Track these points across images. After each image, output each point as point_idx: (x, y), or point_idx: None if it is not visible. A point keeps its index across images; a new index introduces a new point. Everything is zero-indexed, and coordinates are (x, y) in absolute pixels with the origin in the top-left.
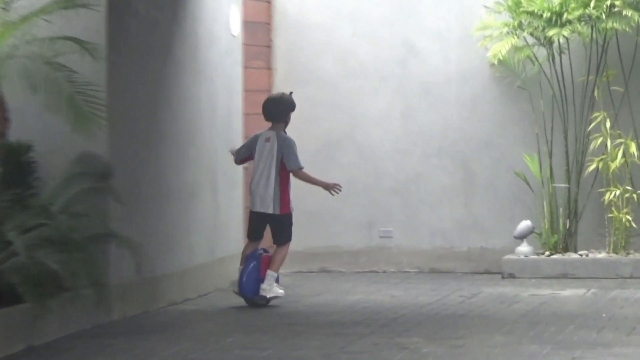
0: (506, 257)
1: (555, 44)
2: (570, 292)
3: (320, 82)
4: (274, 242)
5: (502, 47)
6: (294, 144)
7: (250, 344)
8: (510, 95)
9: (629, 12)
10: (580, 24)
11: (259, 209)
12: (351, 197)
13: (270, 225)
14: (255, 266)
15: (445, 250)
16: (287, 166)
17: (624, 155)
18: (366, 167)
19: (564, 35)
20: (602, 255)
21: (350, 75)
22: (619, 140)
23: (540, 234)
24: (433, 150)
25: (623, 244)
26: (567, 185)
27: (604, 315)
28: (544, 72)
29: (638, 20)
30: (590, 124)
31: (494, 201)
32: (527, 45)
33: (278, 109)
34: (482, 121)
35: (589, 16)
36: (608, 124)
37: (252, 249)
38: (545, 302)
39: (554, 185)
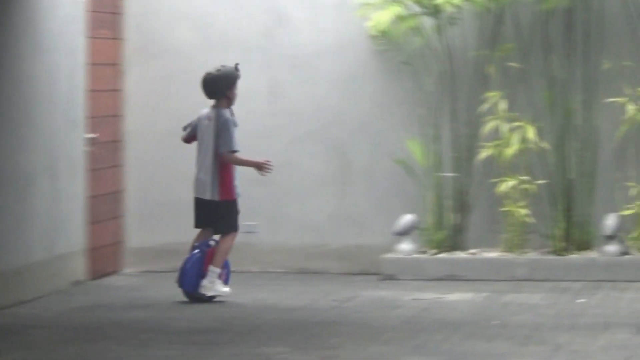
0: (385, 256)
1: (445, 14)
2: (458, 296)
3: (176, 55)
4: (215, 232)
5: (383, 17)
6: (232, 123)
7: (93, 354)
8: (392, 71)
9: None
10: None
11: (198, 194)
12: None
13: (211, 213)
14: (199, 258)
15: (316, 248)
16: (218, 148)
17: (520, 141)
18: None
19: (454, 4)
20: (494, 254)
21: (210, 46)
22: (515, 124)
23: (424, 230)
24: (304, 133)
25: (518, 241)
26: (455, 174)
27: (495, 322)
28: (432, 46)
29: None
30: (483, 105)
31: (372, 192)
32: (413, 14)
33: (217, 85)
34: (359, 101)
35: None
36: (503, 105)
37: (202, 239)
38: (429, 308)
39: (440, 174)
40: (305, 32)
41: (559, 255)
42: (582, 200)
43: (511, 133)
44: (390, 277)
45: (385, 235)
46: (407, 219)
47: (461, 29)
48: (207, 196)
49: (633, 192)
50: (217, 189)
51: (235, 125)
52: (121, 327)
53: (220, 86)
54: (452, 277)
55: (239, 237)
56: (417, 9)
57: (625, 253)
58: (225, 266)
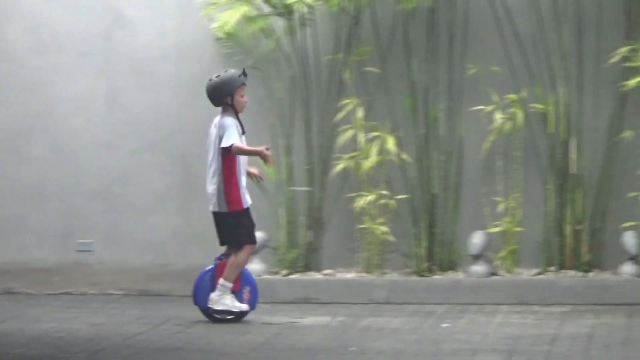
0: None
1: (297, 14)
2: (312, 320)
3: (4, 58)
4: (228, 245)
5: (230, 17)
6: (232, 123)
7: None
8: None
9: None
10: None
11: (210, 207)
12: (42, 201)
13: (222, 226)
14: (209, 272)
15: (158, 268)
16: (220, 151)
17: (379, 152)
18: (61, 163)
19: (307, 3)
20: (351, 275)
21: (42, 49)
22: (373, 134)
23: (275, 249)
24: (145, 143)
25: (377, 261)
26: (309, 188)
27: (353, 348)
28: (283, 49)
29: None
30: (339, 113)
31: None
32: (262, 15)
33: (215, 92)
34: (204, 108)
35: None
36: (360, 113)
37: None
38: (281, 333)
39: (293, 188)
40: (146, 34)
41: (421, 276)
42: (447, 217)
43: (369, 144)
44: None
45: None
46: (257, 236)
47: (315, 31)
48: (216, 208)
49: (501, 207)
50: (223, 200)
51: (240, 132)
52: None
53: (219, 93)
54: (305, 300)
55: (74, 256)
56: (266, 9)
57: (492, 274)
58: (249, 284)
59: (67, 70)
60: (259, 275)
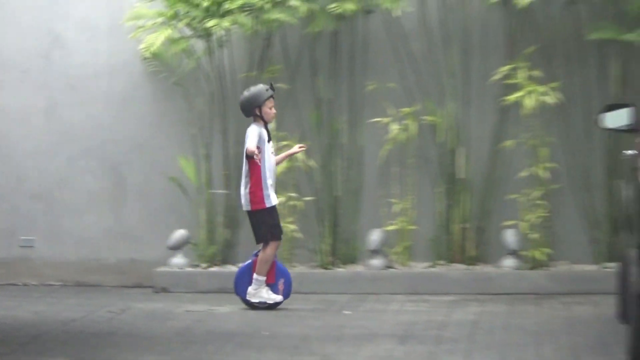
0: (159, 269)
1: (215, 36)
2: (229, 308)
3: None
4: (256, 242)
5: (155, 39)
6: (252, 131)
7: None
8: (165, 92)
9: (295, 3)
10: (242, 15)
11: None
12: None
13: (251, 223)
14: (247, 266)
15: (92, 262)
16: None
17: (289, 160)
18: (5, 169)
19: (224, 27)
20: None
21: None
22: (283, 142)
23: (196, 245)
24: (80, 151)
25: (287, 255)
26: (226, 191)
27: (265, 333)
28: (203, 67)
29: (305, 11)
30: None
31: (146, 209)
32: (184, 37)
33: (245, 106)
34: (133, 120)
35: (252, 6)
36: (272, 125)
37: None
38: (201, 319)
39: (211, 191)
40: (81, 54)
41: (326, 269)
42: (348, 217)
43: (279, 151)
44: (164, 290)
45: (159, 249)
46: (179, 234)
47: (231, 52)
48: (245, 207)
49: (396, 208)
50: (248, 199)
51: (265, 138)
52: None
53: (248, 106)
54: (223, 290)
55: (18, 251)
56: (188, 32)
57: (389, 267)
58: (283, 276)
59: (10, 86)
60: (181, 269)
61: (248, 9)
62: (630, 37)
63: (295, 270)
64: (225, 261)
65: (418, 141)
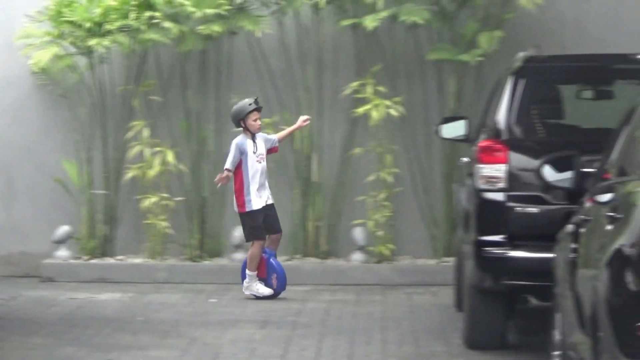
0: (45, 261)
1: (96, 54)
2: (107, 296)
3: None
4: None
5: (43, 56)
6: (234, 147)
7: None
8: (51, 103)
9: (168, 24)
10: (120, 35)
11: None
12: None
13: None
14: (244, 263)
15: None
16: None
17: (161, 163)
18: None
19: (104, 45)
20: (138, 260)
21: None
22: (157, 149)
23: (79, 239)
24: None
25: (159, 249)
26: (106, 191)
27: (139, 318)
28: (85, 81)
29: (177, 32)
30: (129, 132)
31: (34, 207)
32: (69, 54)
33: (232, 119)
34: (23, 128)
35: (130, 27)
36: (146, 133)
37: (267, 245)
38: (83, 306)
39: (92, 191)
40: None
41: (194, 261)
42: (214, 215)
43: (153, 157)
44: (50, 280)
45: (45, 243)
46: (63, 229)
47: (110, 67)
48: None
49: None
50: (235, 203)
51: (244, 151)
52: None
53: (234, 118)
54: (102, 280)
55: None
56: (72, 49)
57: None
58: (276, 272)
59: None
60: (65, 260)
61: (126, 29)
62: (464, 57)
63: (167, 262)
64: (104, 254)
65: (278, 149)
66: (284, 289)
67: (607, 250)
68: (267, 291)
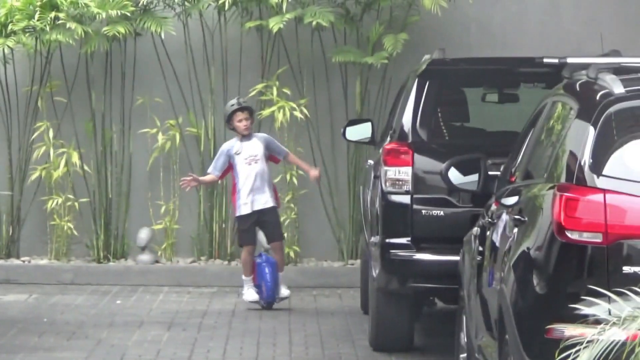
0: None
1: (3, 53)
2: (12, 297)
3: None
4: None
5: None
6: (221, 151)
7: None
8: None
9: (72, 25)
10: (25, 35)
11: None
12: None
13: None
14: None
15: None
16: None
17: (66, 164)
18: None
19: (8, 46)
20: (44, 261)
21: None
22: (61, 150)
23: None
24: None
25: (65, 250)
26: (10, 192)
27: (45, 320)
28: None
29: (81, 33)
30: (34, 133)
31: None
32: None
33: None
34: None
35: (34, 28)
36: (51, 134)
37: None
38: None
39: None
40: None
41: (99, 262)
42: (120, 216)
43: (58, 158)
44: None
45: None
46: None
47: (14, 68)
48: None
49: (163, 209)
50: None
51: (231, 154)
52: None
53: (225, 121)
54: (7, 281)
55: None
56: None
57: (156, 261)
58: (263, 279)
59: None
60: None
61: (30, 30)
62: (369, 59)
63: (72, 263)
64: (9, 255)
65: (181, 150)
66: (271, 300)
67: (513, 253)
68: (252, 297)
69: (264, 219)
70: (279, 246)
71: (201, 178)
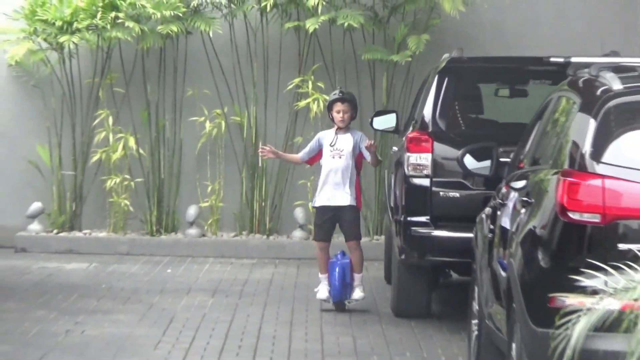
0: (19, 233)
1: (66, 49)
2: (75, 266)
3: None
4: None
5: (18, 50)
6: (315, 139)
7: None
8: (26, 92)
9: (130, 24)
10: (88, 32)
11: None
12: None
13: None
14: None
15: None
16: None
17: (123, 148)
18: None
19: (73, 42)
20: (103, 234)
21: None
22: (119, 135)
23: (49, 215)
24: None
25: (121, 224)
26: (74, 172)
27: (103, 286)
28: (56, 74)
29: (138, 31)
30: (95, 120)
31: (9, 186)
32: (41, 49)
33: None
34: (4, 118)
35: (96, 26)
36: (110, 121)
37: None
38: (53, 274)
39: (62, 172)
40: None
41: (152, 235)
42: (171, 194)
43: (116, 142)
44: (23, 250)
45: (19, 218)
46: (36, 205)
47: (78, 61)
48: None
49: (209, 189)
50: None
51: (320, 143)
52: None
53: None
54: (70, 251)
55: None
56: (44, 45)
57: (203, 235)
58: (332, 279)
59: None
60: (37, 233)
61: (93, 28)
62: (395, 57)
63: (128, 236)
64: (72, 228)
65: (227, 136)
66: (339, 300)
67: (520, 231)
68: (321, 295)
69: (341, 217)
70: (354, 246)
71: (283, 153)
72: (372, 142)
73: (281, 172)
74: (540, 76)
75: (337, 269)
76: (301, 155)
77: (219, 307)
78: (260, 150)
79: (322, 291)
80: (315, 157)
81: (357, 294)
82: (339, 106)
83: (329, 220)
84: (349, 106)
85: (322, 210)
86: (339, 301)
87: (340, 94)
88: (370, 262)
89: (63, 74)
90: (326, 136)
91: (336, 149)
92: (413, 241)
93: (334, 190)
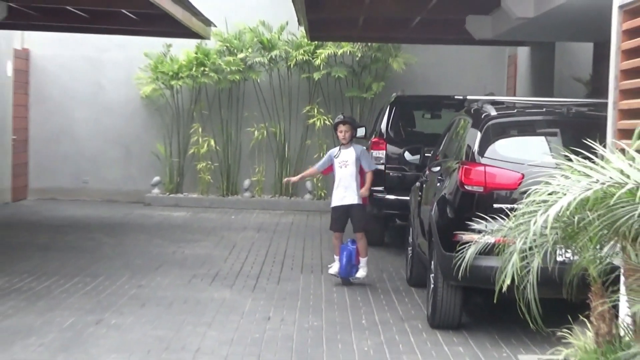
0: (147, 194)
1: (175, 88)
2: (178, 214)
3: None
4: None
5: (147, 89)
6: (328, 154)
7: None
8: (151, 114)
9: (212, 74)
10: (187, 79)
11: None
12: None
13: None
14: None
15: (114, 191)
16: None
17: (207, 146)
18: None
19: (179, 84)
20: (195, 195)
21: None
22: (205, 138)
23: (164, 184)
24: (114, 138)
25: (205, 190)
26: (178, 159)
27: (195, 225)
28: (169, 103)
29: (216, 78)
30: (191, 130)
31: (141, 166)
32: (160, 88)
33: None
34: (135, 127)
35: (192, 75)
36: (200, 130)
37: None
38: (166, 218)
39: (172, 159)
40: (120, 93)
41: (223, 197)
42: (234, 173)
43: (203, 142)
44: (149, 205)
45: (147, 185)
46: (156, 178)
47: (182, 96)
48: None
49: (257, 169)
50: None
51: (331, 157)
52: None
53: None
54: (177, 205)
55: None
56: (162, 86)
57: (252, 196)
58: (340, 260)
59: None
60: (157, 194)
61: (190, 76)
62: (365, 95)
63: (209, 197)
64: (177, 191)
65: (267, 139)
66: (344, 277)
67: (436, 196)
68: (332, 271)
69: (351, 213)
70: (360, 236)
71: (302, 175)
72: (365, 195)
73: (299, 160)
74: (448, 106)
75: (344, 253)
76: (317, 167)
77: (262, 239)
78: (285, 181)
79: (334, 268)
80: (329, 168)
81: (360, 273)
82: (341, 127)
83: (342, 216)
84: (349, 127)
85: (337, 209)
86: (345, 277)
87: (342, 117)
88: None
89: (173, 103)
90: (333, 152)
91: (341, 160)
92: (375, 201)
93: (344, 192)
